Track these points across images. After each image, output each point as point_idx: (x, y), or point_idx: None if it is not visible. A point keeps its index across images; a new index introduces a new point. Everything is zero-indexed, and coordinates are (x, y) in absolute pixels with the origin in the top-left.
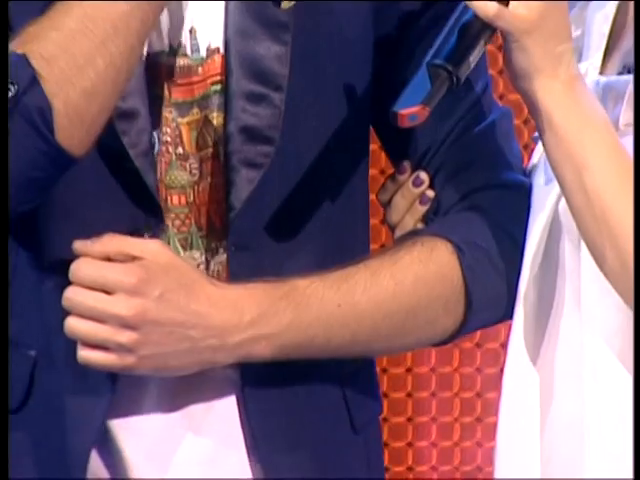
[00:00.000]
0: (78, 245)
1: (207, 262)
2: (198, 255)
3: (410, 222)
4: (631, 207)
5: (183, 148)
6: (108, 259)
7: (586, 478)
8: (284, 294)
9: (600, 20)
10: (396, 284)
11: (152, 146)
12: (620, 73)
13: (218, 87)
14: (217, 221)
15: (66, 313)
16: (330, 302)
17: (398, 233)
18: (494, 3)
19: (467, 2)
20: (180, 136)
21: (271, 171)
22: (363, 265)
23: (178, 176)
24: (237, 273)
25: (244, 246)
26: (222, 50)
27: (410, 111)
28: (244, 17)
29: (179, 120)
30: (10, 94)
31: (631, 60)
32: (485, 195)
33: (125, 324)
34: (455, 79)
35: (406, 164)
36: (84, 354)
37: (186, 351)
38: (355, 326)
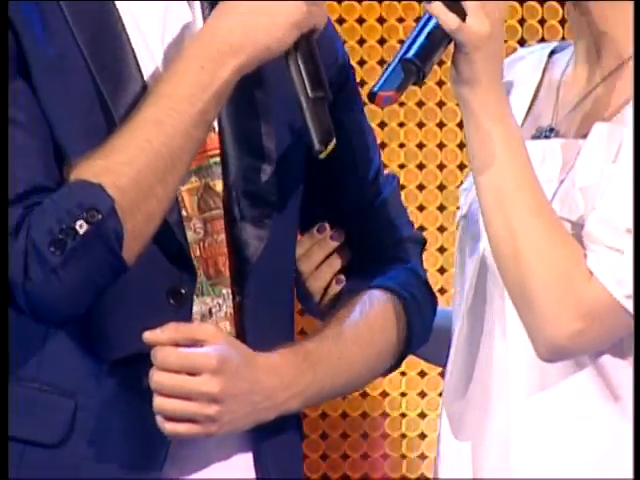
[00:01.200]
0: (149, 336)
1: (219, 306)
2: (209, 300)
3: (328, 272)
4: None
5: (186, 211)
6: (177, 344)
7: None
8: (303, 358)
9: (528, 74)
10: (370, 332)
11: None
12: (535, 137)
13: (217, 159)
14: (225, 271)
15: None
16: (333, 357)
17: (312, 280)
18: (456, 18)
19: (434, 15)
20: (183, 201)
21: (274, 228)
22: (345, 323)
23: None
24: (248, 312)
25: (256, 292)
26: (217, 128)
27: (386, 94)
28: (234, 98)
29: (180, 188)
30: (93, 218)
31: (545, 123)
32: (401, 248)
33: (212, 399)
34: (422, 73)
35: (325, 224)
36: (170, 427)
37: (251, 413)
38: (349, 373)
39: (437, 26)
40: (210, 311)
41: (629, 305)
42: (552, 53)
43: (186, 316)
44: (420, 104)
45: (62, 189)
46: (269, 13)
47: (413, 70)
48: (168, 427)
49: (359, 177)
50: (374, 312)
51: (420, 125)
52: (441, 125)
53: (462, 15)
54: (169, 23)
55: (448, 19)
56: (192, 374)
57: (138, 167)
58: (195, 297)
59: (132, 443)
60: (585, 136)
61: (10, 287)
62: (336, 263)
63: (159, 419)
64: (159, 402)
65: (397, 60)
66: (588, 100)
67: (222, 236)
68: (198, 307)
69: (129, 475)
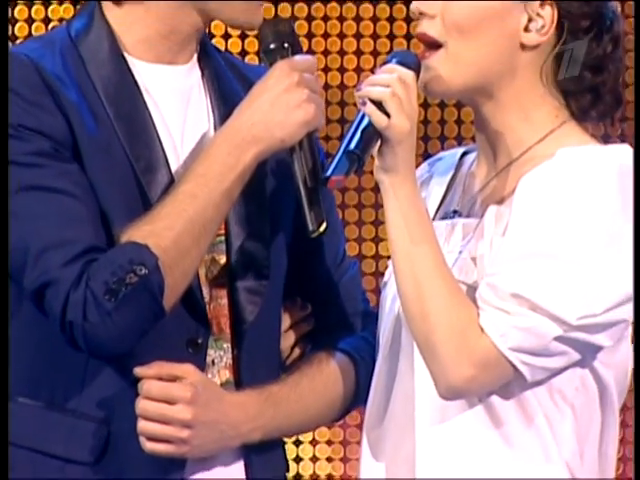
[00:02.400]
0: (138, 370)
1: (220, 357)
2: (212, 352)
3: (295, 334)
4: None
5: (198, 280)
6: (160, 379)
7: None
8: (266, 397)
9: (444, 171)
10: (325, 383)
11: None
12: (442, 218)
13: (222, 238)
14: (226, 329)
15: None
16: (291, 401)
17: (282, 340)
18: (385, 118)
19: (367, 114)
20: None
21: (266, 296)
22: (305, 374)
23: None
24: (244, 363)
25: (250, 344)
26: None
27: (337, 178)
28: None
29: None
30: (141, 272)
31: (453, 207)
32: (357, 320)
33: (185, 425)
34: (362, 161)
35: (297, 298)
36: (150, 446)
37: (218, 439)
38: (304, 415)
39: (370, 124)
40: (213, 361)
41: (512, 357)
42: (465, 154)
43: (201, 362)
44: None
45: (115, 248)
46: (285, 112)
47: (355, 159)
48: (149, 446)
49: (329, 259)
50: (329, 368)
51: None
52: None
53: (388, 115)
54: (189, 121)
55: (378, 118)
56: (170, 403)
57: (177, 232)
58: None
59: (154, 461)
60: (482, 217)
61: (70, 328)
62: (302, 328)
63: (142, 439)
64: (142, 425)
65: (342, 151)
66: (485, 189)
67: (225, 301)
68: None
69: None
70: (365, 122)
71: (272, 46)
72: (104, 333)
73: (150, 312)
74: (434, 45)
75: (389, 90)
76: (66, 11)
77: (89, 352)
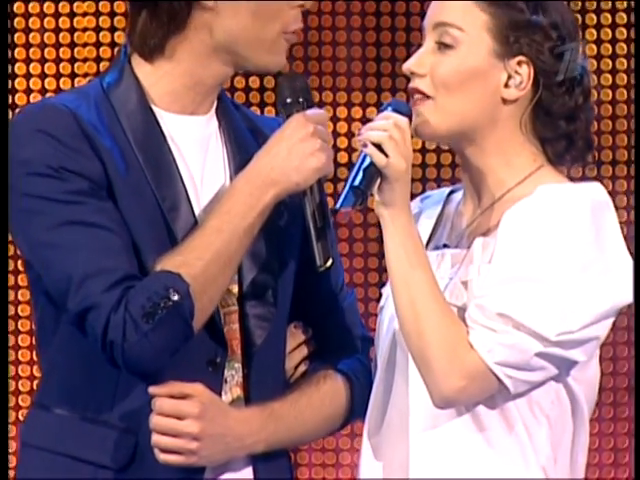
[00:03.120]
0: (152, 389)
1: (232, 376)
2: (226, 371)
3: (298, 356)
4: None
5: (217, 307)
6: (172, 397)
7: None
8: (269, 414)
9: (432, 207)
10: (323, 400)
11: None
12: (434, 249)
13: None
14: (238, 351)
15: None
16: (291, 416)
17: (286, 361)
18: (384, 158)
19: (369, 155)
20: None
21: (273, 322)
22: (304, 392)
23: None
24: (253, 381)
25: (258, 364)
26: None
27: (345, 210)
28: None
29: None
30: (174, 298)
31: (442, 242)
32: (354, 343)
33: (193, 438)
34: (366, 196)
35: (300, 322)
36: (163, 457)
37: (224, 450)
38: (302, 429)
39: (371, 163)
40: (226, 380)
41: (497, 370)
42: (451, 192)
43: (219, 379)
44: None
45: (151, 276)
46: (301, 159)
47: (359, 193)
48: (162, 457)
49: (330, 289)
50: (327, 387)
51: None
52: None
53: (387, 155)
54: (208, 166)
55: (378, 158)
56: (180, 418)
57: (206, 262)
58: None
59: (176, 467)
60: (469, 247)
61: (111, 348)
62: (305, 350)
63: (156, 451)
64: (155, 438)
65: (348, 187)
66: (472, 225)
67: (236, 325)
68: None
69: None
70: (367, 162)
71: (289, 100)
72: (141, 352)
73: (182, 333)
74: (425, 95)
75: (387, 134)
76: (63, 8)
77: (127, 369)
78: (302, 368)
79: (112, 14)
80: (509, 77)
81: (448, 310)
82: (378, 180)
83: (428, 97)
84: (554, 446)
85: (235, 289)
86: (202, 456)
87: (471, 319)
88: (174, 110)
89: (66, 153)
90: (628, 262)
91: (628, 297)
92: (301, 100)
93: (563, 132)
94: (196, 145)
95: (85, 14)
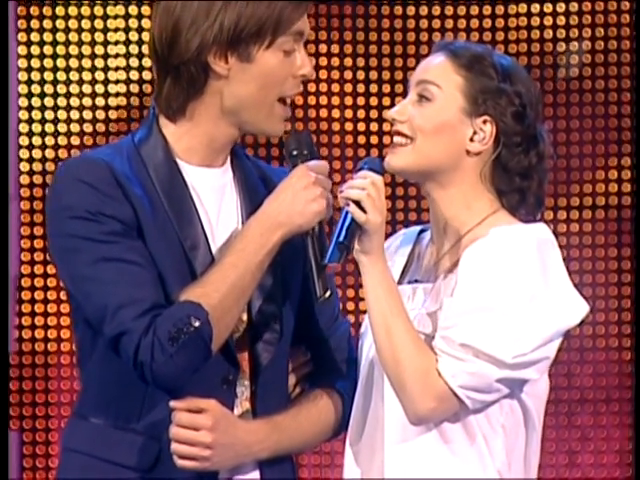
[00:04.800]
0: (173, 403)
1: (242, 392)
2: (237, 388)
3: (297, 376)
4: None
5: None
6: (189, 411)
7: None
8: (272, 425)
9: (404, 246)
10: (319, 414)
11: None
12: (409, 282)
13: None
14: (246, 370)
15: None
16: (292, 428)
17: (289, 380)
18: (363, 215)
19: (351, 213)
20: None
21: (277, 345)
22: (303, 407)
23: None
24: (259, 397)
25: (264, 382)
26: None
27: (332, 266)
28: None
29: None
30: (195, 324)
31: (413, 277)
32: (348, 365)
33: (207, 446)
34: (349, 250)
35: (302, 348)
36: (181, 462)
37: (234, 457)
38: (302, 438)
39: (353, 220)
40: (237, 395)
41: (460, 392)
42: (421, 231)
43: (232, 395)
44: None
45: (175, 305)
46: (304, 205)
47: (344, 248)
48: (179, 462)
49: (327, 317)
50: (323, 402)
51: None
52: None
53: (364, 211)
54: (223, 211)
55: (359, 215)
56: (196, 430)
57: (222, 293)
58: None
59: (193, 470)
60: (435, 282)
61: (141, 367)
62: (304, 370)
63: (175, 457)
64: (174, 447)
65: (334, 244)
66: (439, 262)
67: (246, 348)
68: None
69: None
70: (349, 219)
71: (295, 152)
72: (167, 370)
73: (202, 355)
74: (405, 136)
75: (365, 192)
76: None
77: (154, 385)
78: (301, 386)
79: (141, 82)
80: (474, 133)
81: (420, 341)
82: (358, 233)
83: (407, 137)
84: (508, 452)
85: (244, 317)
86: (214, 462)
87: (438, 349)
88: (194, 163)
89: (102, 200)
90: (571, 291)
91: (572, 321)
92: (305, 152)
93: (517, 187)
94: (213, 193)
95: (117, 81)
